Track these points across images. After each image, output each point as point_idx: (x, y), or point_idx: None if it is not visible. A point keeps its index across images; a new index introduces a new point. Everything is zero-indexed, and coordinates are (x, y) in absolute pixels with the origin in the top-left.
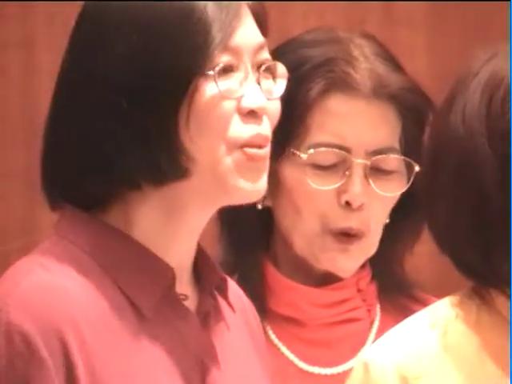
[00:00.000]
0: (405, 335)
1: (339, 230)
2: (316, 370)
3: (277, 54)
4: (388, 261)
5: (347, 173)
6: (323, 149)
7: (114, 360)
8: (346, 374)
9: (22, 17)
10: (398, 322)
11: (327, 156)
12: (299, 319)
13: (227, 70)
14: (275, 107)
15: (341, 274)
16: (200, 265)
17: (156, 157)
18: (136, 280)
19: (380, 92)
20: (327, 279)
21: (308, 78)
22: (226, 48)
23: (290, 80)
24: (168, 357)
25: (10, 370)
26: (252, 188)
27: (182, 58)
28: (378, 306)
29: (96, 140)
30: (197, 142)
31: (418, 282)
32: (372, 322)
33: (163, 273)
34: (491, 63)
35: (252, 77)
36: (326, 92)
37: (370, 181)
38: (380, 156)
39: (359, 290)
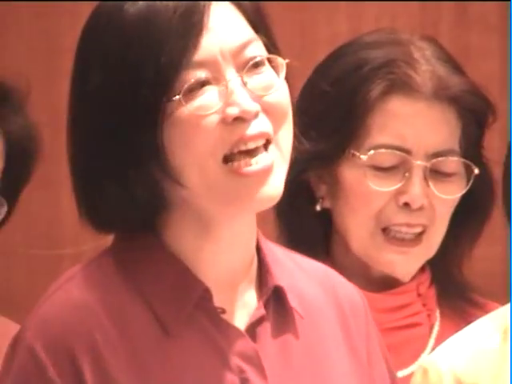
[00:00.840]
0: (465, 342)
1: (397, 226)
2: None
3: (338, 55)
4: (448, 264)
5: (407, 174)
6: (383, 150)
7: (135, 379)
8: (407, 378)
9: None
10: (457, 326)
11: (387, 157)
12: None
13: (202, 84)
14: (275, 100)
15: (399, 277)
16: (261, 274)
17: (138, 190)
18: (166, 296)
19: (441, 94)
20: (386, 283)
21: (369, 80)
22: (193, 64)
23: (350, 81)
24: (199, 371)
25: None
26: (256, 200)
27: (142, 88)
28: (438, 310)
29: (92, 179)
30: (182, 166)
31: (479, 286)
32: (432, 327)
33: (194, 288)
34: None
35: (235, 81)
36: (386, 93)
37: (430, 183)
38: (440, 158)
39: (419, 295)
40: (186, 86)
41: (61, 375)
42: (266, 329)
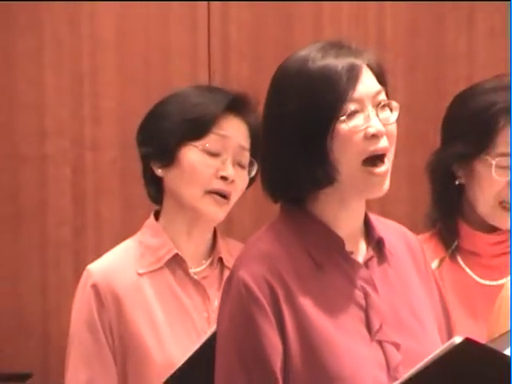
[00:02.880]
0: None
1: (504, 202)
2: (487, 282)
3: (465, 97)
4: None
5: None
6: (506, 157)
7: (307, 295)
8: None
9: None
10: None
11: (507, 161)
12: (478, 252)
13: (355, 112)
14: (391, 129)
15: (505, 228)
16: (368, 230)
17: (315, 171)
18: (318, 245)
19: None
20: (494, 230)
21: (497, 115)
22: (352, 99)
23: (485, 116)
24: (341, 289)
25: (239, 310)
26: (378, 191)
27: (325, 110)
28: None
29: (283, 163)
30: (339, 160)
31: None
32: None
33: (335, 240)
34: None
35: (372, 113)
36: (507, 123)
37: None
38: None
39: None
40: (348, 112)
41: (265, 298)
42: (373, 263)
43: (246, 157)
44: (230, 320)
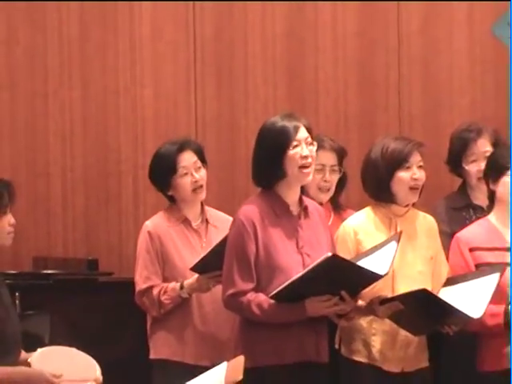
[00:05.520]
0: (355, 217)
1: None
2: None
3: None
4: (335, 199)
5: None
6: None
7: (271, 228)
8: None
9: None
10: (339, 218)
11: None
12: None
13: (296, 146)
14: (314, 155)
15: (321, 202)
16: (300, 201)
17: (273, 172)
18: (277, 206)
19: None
20: (321, 202)
21: None
22: (295, 139)
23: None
24: (286, 227)
25: (238, 233)
26: (306, 180)
27: (281, 147)
28: (333, 212)
29: (258, 168)
30: (287, 167)
31: (347, 204)
32: (330, 218)
33: (285, 204)
34: None
35: (304, 146)
36: None
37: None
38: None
39: (330, 211)
40: (293, 144)
41: (250, 228)
42: (301, 216)
43: (200, 166)
44: (233, 237)
